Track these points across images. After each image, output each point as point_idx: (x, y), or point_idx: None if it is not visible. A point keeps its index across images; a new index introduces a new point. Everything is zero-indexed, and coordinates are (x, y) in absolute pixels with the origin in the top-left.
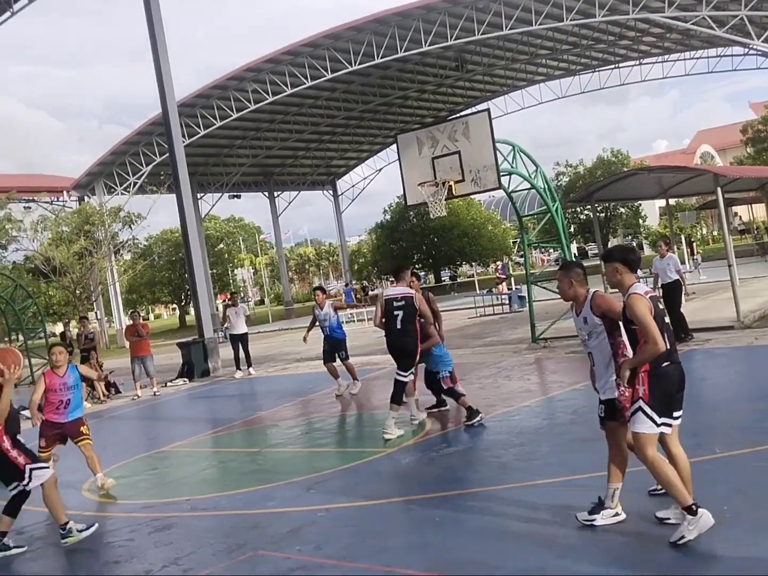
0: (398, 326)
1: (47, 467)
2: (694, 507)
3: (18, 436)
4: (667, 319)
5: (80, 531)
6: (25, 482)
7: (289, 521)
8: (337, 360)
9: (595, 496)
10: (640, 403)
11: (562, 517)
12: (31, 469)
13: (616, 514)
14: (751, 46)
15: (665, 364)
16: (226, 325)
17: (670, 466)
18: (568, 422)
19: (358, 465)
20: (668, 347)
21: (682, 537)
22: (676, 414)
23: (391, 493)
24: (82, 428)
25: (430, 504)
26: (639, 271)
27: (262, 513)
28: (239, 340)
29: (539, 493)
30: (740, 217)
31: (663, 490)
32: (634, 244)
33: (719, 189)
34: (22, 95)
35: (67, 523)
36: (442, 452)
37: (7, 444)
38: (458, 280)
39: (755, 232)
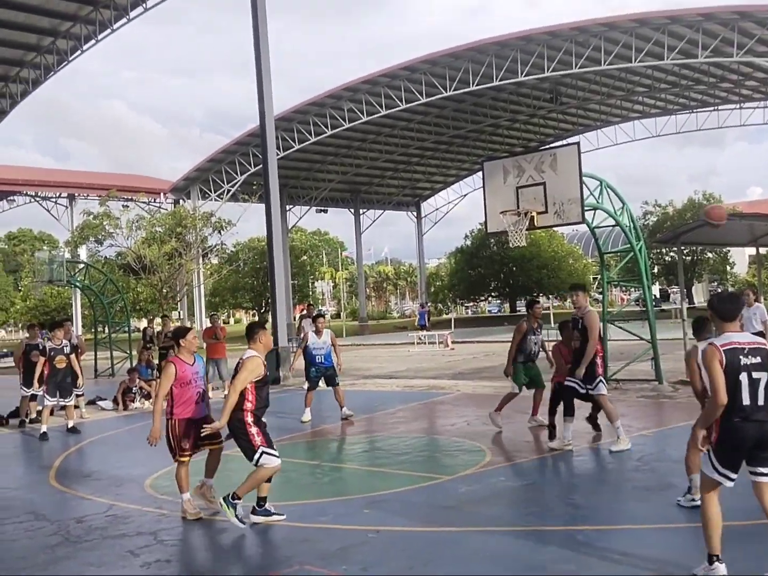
0: None
1: (277, 456)
2: (714, 558)
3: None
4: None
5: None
6: (253, 462)
7: (340, 539)
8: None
9: (643, 549)
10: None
11: (612, 563)
12: (263, 452)
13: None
14: None
15: (737, 419)
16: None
17: (717, 510)
18: (633, 469)
19: (415, 489)
20: (744, 402)
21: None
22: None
23: (445, 521)
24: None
25: (482, 537)
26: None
27: (314, 527)
28: None
29: (592, 537)
30: None
31: None
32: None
33: None
34: (131, 99)
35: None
36: (500, 485)
37: (249, 419)
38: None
39: None
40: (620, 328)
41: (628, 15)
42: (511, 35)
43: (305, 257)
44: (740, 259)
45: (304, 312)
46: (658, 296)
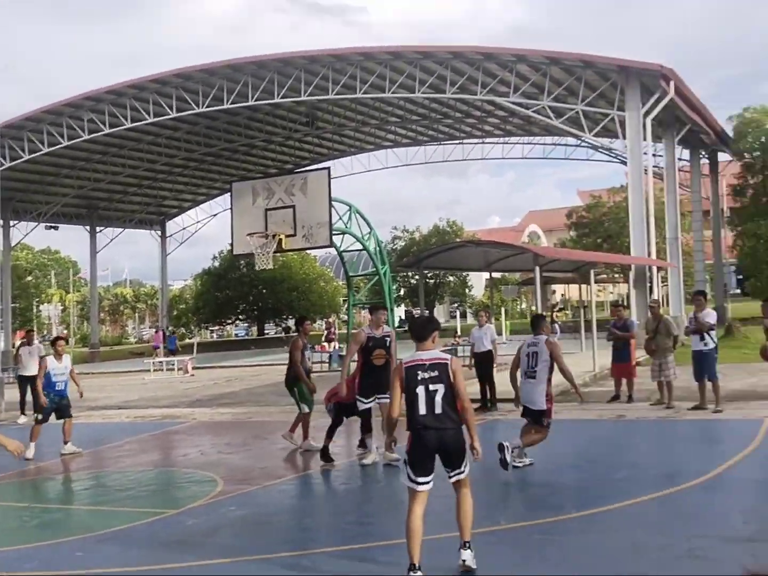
0: None
1: None
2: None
3: None
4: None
5: None
6: None
7: None
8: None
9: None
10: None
11: None
12: None
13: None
14: (583, 138)
15: (418, 427)
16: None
17: (417, 522)
18: (370, 488)
19: (136, 526)
20: (420, 412)
21: None
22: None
23: (168, 558)
24: None
25: (208, 571)
26: (458, 338)
27: None
28: (29, 383)
29: (319, 561)
30: (555, 294)
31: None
32: (458, 312)
33: (538, 268)
34: None
35: None
36: (230, 515)
37: None
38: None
39: (569, 310)
40: None
41: (384, 47)
42: (269, 56)
43: (30, 278)
44: (478, 282)
45: (23, 339)
46: (402, 318)
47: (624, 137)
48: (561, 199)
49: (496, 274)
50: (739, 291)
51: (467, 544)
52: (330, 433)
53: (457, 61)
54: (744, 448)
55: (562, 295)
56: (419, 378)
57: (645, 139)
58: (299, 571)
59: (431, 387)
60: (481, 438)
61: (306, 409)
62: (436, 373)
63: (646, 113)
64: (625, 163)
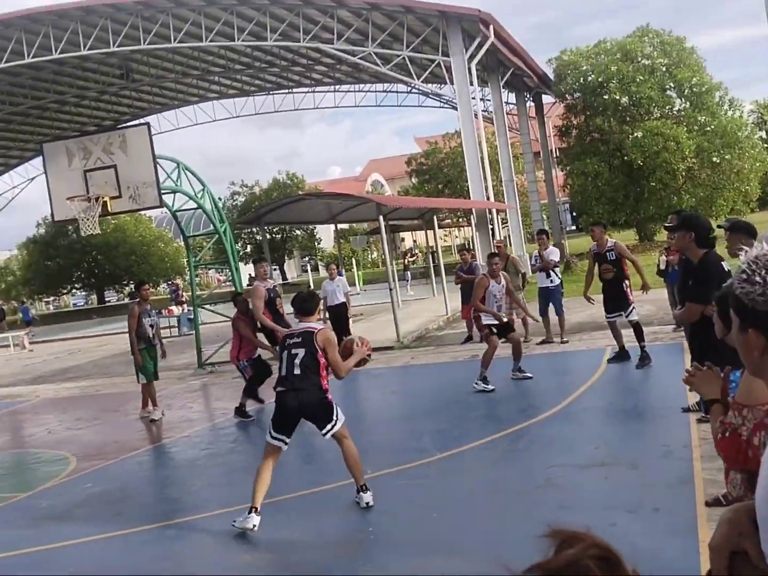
0: None
1: None
2: (254, 509)
3: None
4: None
5: None
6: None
7: None
8: None
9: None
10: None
11: (206, 553)
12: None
13: None
14: (413, 84)
15: (279, 389)
16: None
17: (268, 473)
18: (228, 452)
19: None
20: (282, 374)
21: (234, 522)
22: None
23: (23, 543)
24: None
25: (68, 552)
26: None
27: None
28: None
29: (186, 529)
30: (405, 242)
31: None
32: (309, 266)
33: (381, 217)
34: None
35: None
36: (87, 492)
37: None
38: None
39: (419, 256)
40: (211, 311)
41: None
42: (68, 4)
43: None
44: (326, 234)
45: None
46: (251, 275)
47: (452, 83)
48: (400, 146)
49: (343, 226)
50: (574, 227)
51: (363, 487)
52: (250, 391)
53: (276, 7)
54: (591, 377)
55: (414, 241)
56: (286, 344)
57: (472, 84)
58: (165, 542)
59: (293, 351)
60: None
61: (143, 380)
62: (299, 340)
63: (470, 58)
64: (456, 108)
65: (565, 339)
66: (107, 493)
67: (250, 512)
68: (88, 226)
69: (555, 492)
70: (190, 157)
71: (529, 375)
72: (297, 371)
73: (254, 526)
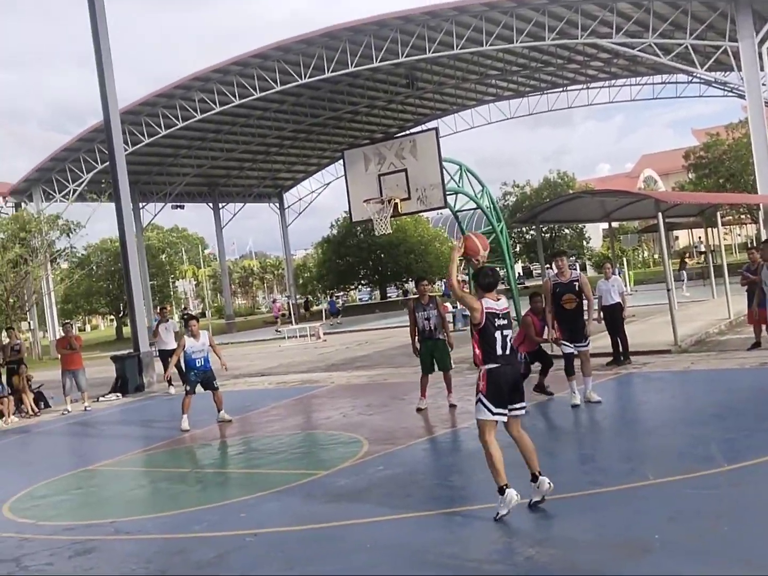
0: None
1: None
2: (504, 487)
3: None
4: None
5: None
6: None
7: (216, 546)
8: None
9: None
10: (480, 395)
11: (491, 542)
12: None
13: None
14: (694, 74)
15: (493, 366)
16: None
17: (498, 450)
18: (506, 445)
19: (292, 487)
20: (500, 352)
21: (498, 513)
22: (511, 406)
23: (325, 517)
24: None
25: (364, 529)
26: None
27: (189, 537)
28: (169, 356)
29: (472, 517)
30: (678, 240)
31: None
32: (577, 265)
33: (660, 214)
34: None
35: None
36: (379, 474)
37: None
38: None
39: (701, 256)
40: None
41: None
42: (364, 21)
43: (163, 256)
44: (595, 233)
45: (158, 316)
46: (521, 273)
47: (739, 69)
48: (675, 140)
49: (615, 224)
50: None
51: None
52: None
53: (555, 6)
54: None
55: (699, 238)
56: (496, 324)
57: (762, 69)
58: (453, 527)
59: (504, 332)
60: (615, 391)
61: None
62: (506, 321)
63: (761, 41)
64: (742, 96)
65: None
66: (397, 477)
67: (502, 492)
68: (382, 226)
69: None
70: (461, 158)
71: None
72: (508, 350)
73: (514, 498)
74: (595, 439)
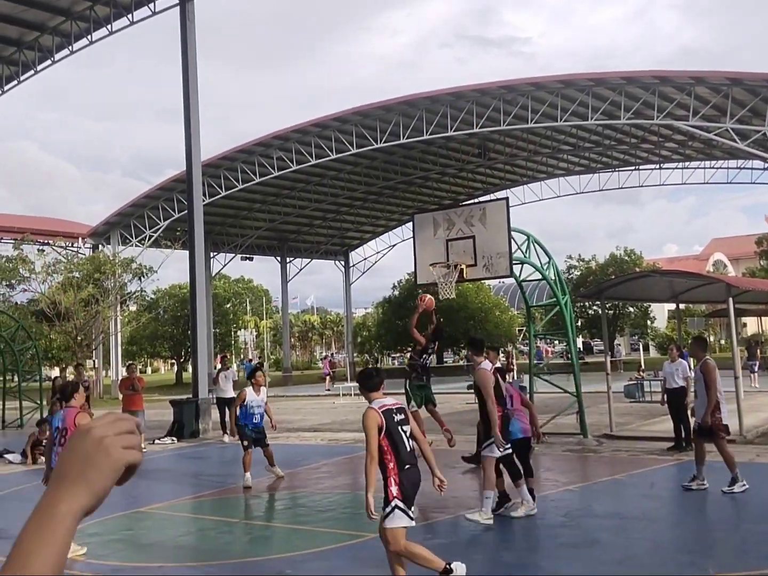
0: None
1: None
2: (448, 566)
3: None
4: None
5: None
6: None
7: None
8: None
9: None
10: (396, 501)
11: None
12: None
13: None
14: None
15: (407, 466)
16: (213, 388)
17: (417, 546)
18: (559, 525)
19: (339, 547)
20: (408, 449)
21: None
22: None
23: None
24: None
25: None
26: (642, 372)
27: None
28: (226, 404)
29: None
30: (747, 327)
31: None
32: (640, 345)
33: (731, 299)
34: (45, 141)
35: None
36: (426, 543)
37: None
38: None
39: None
40: (546, 381)
41: (554, 76)
42: (442, 91)
43: (228, 305)
44: (660, 314)
45: (218, 364)
46: (581, 349)
47: None
48: (747, 226)
49: (681, 306)
50: None
51: None
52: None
53: (631, 86)
54: None
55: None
56: (396, 420)
57: None
58: None
59: (404, 428)
60: (676, 479)
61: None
62: (404, 417)
63: None
64: None
65: None
66: (444, 546)
67: (449, 572)
68: (446, 290)
69: None
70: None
71: None
72: (410, 447)
73: (461, 567)
74: (656, 528)
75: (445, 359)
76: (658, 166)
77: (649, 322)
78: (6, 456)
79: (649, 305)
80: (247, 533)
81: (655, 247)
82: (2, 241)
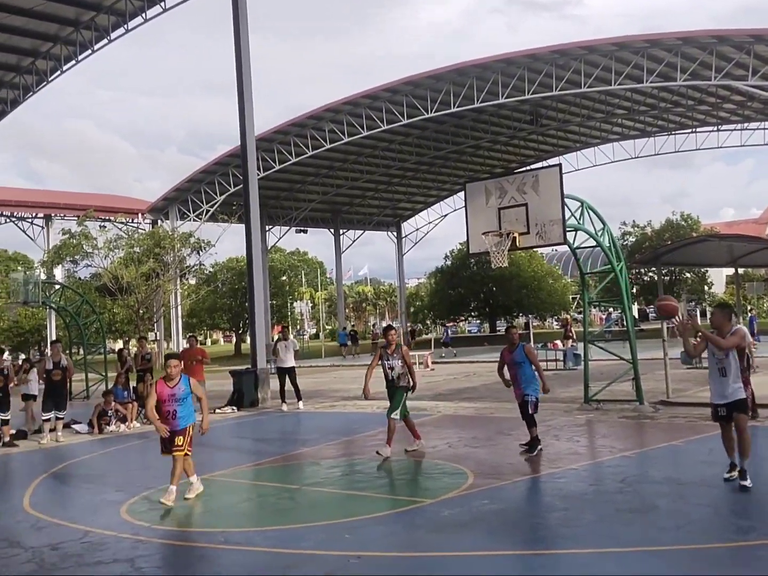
0: None
1: None
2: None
3: None
4: None
5: None
6: None
7: (321, 565)
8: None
9: (627, 573)
10: None
11: None
12: None
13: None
14: None
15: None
16: (273, 358)
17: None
18: (616, 491)
19: (396, 513)
20: None
21: None
22: None
23: (427, 546)
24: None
25: (465, 562)
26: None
27: (295, 553)
28: (287, 374)
29: (579, 562)
30: None
31: None
32: (698, 311)
33: None
34: (104, 119)
35: None
36: (484, 508)
37: None
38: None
39: None
40: (601, 348)
41: (608, 39)
42: (492, 58)
43: (284, 277)
44: (717, 279)
45: (279, 335)
46: (637, 316)
47: None
48: None
49: (740, 270)
50: None
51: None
52: None
53: (688, 47)
54: None
55: None
56: None
57: None
58: (558, 570)
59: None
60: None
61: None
62: None
63: None
64: None
65: None
66: (501, 512)
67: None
68: (499, 259)
69: None
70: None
71: None
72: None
73: None
74: (716, 494)
75: (498, 328)
76: (715, 128)
77: (706, 288)
78: (73, 426)
79: (707, 270)
80: (307, 499)
81: (711, 211)
82: (66, 218)
